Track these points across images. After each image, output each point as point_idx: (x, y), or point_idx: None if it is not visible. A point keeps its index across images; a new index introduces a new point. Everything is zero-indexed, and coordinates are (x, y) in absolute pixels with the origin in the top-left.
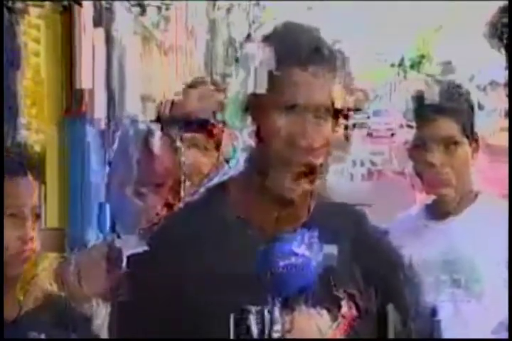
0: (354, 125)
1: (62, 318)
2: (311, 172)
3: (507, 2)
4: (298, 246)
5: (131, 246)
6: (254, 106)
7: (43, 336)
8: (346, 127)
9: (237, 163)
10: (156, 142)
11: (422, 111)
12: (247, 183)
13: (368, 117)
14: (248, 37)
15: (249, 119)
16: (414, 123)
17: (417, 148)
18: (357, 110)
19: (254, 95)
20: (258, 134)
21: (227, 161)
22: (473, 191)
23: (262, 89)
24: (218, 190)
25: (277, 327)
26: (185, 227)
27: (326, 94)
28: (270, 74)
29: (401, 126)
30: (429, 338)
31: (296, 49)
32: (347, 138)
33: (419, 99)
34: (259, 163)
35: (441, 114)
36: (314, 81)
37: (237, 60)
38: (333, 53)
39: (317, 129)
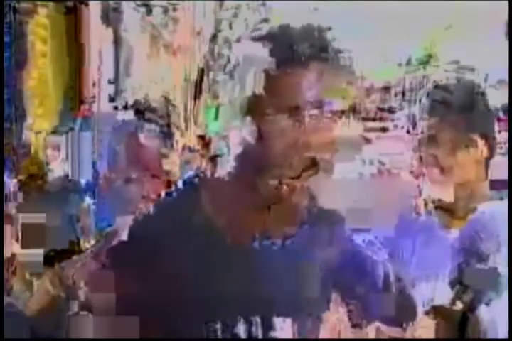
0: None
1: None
2: (309, 169)
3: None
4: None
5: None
6: (254, 107)
7: None
8: (372, 128)
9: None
10: (145, 135)
11: (436, 107)
12: (237, 181)
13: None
14: (240, 38)
15: (248, 120)
16: (425, 121)
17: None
18: (380, 110)
19: (254, 96)
20: (258, 133)
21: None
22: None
23: (261, 90)
24: (198, 186)
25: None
26: (160, 227)
27: (331, 93)
28: (268, 74)
29: (408, 126)
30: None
31: (297, 48)
32: (366, 139)
33: (435, 93)
34: (255, 161)
35: (453, 112)
36: (318, 81)
37: (228, 61)
38: (337, 52)
39: (321, 129)
